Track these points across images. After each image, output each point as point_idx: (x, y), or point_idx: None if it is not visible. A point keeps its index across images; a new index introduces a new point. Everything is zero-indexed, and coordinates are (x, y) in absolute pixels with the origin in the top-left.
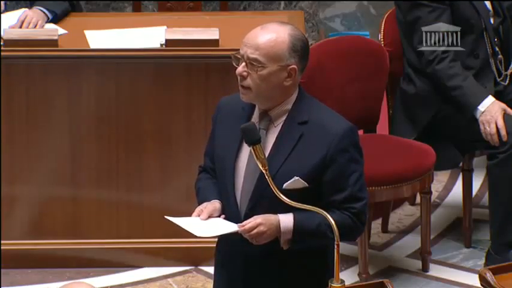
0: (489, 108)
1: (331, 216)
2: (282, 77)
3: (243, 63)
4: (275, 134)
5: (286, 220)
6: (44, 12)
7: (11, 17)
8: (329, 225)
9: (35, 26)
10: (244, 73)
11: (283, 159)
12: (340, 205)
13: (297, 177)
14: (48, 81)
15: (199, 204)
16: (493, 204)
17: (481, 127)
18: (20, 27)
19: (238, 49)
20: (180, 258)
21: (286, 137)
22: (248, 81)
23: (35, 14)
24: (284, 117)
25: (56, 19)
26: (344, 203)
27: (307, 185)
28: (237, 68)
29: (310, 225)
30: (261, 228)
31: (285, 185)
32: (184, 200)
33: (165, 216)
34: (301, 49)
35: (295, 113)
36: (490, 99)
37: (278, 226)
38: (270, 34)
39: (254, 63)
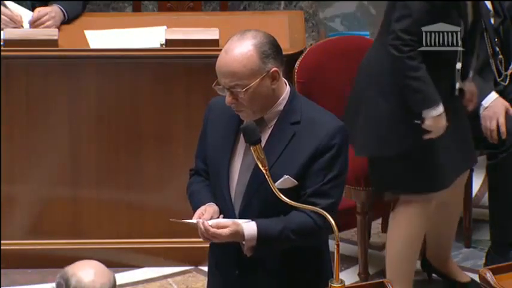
0: (493, 104)
1: (299, 216)
2: (268, 84)
3: (228, 93)
4: (268, 134)
5: (249, 228)
6: (62, 11)
7: (22, 12)
8: (292, 229)
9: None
10: (234, 101)
11: (275, 159)
12: (307, 198)
13: (287, 176)
14: (48, 81)
15: (193, 209)
16: (493, 204)
17: (483, 122)
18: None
19: None
20: (180, 258)
21: (279, 138)
22: (241, 104)
23: (57, 13)
24: (277, 118)
25: (65, 22)
26: (311, 196)
27: (296, 183)
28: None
29: (274, 230)
30: (225, 231)
31: (275, 185)
32: (184, 200)
33: (171, 219)
34: (271, 50)
35: (288, 114)
36: (493, 95)
37: (242, 234)
38: (236, 55)
39: (237, 89)
